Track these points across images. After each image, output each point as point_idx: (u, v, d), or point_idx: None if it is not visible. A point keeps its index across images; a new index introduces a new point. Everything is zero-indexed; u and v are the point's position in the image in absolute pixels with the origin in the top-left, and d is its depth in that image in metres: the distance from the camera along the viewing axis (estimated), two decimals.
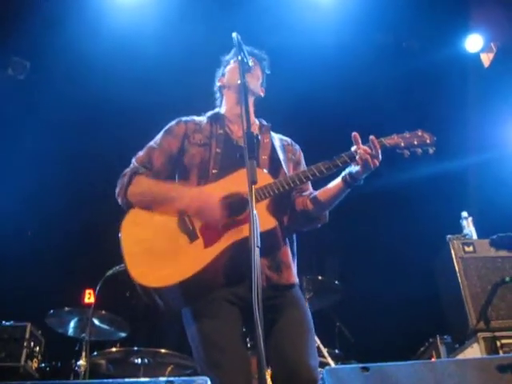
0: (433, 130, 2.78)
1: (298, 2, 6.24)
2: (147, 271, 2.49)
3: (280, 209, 2.72)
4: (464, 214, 5.43)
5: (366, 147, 2.59)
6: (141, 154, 2.91)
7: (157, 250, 2.54)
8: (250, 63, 2.70)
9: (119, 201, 2.80)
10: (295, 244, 2.88)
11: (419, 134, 2.72)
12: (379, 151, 2.60)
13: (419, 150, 2.70)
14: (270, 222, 2.50)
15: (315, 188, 2.91)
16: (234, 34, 2.66)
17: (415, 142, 2.69)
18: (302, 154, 3.10)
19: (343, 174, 2.69)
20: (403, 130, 2.76)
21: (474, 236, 5.28)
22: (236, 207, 2.54)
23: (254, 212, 2.08)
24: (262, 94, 3.15)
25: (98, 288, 4.76)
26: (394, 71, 6.60)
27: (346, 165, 2.65)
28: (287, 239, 2.80)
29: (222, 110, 3.11)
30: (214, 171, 2.76)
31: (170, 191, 2.67)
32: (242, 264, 2.37)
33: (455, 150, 6.64)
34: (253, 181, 2.17)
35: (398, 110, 6.36)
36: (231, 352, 2.46)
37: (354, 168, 2.63)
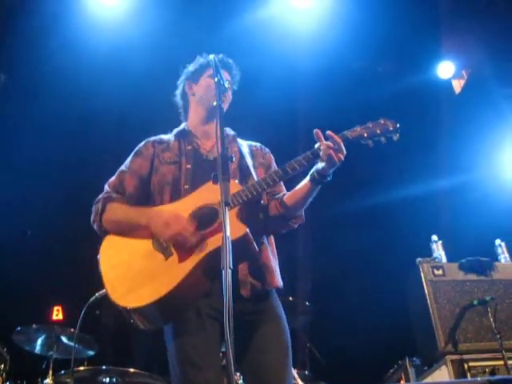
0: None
1: (276, 28, 6.31)
2: (126, 293, 2.50)
3: (251, 214, 2.72)
4: (434, 237, 5.51)
5: (328, 142, 2.61)
6: (113, 179, 2.94)
7: (134, 271, 2.56)
8: (226, 85, 2.73)
9: (95, 227, 2.82)
10: (274, 246, 2.89)
11: (382, 122, 2.72)
12: (341, 145, 2.61)
13: (383, 139, 2.71)
14: (241, 229, 2.49)
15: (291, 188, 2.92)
16: (212, 56, 2.70)
17: (378, 131, 2.69)
18: (272, 157, 3.11)
19: (311, 172, 2.71)
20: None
21: (444, 259, 5.36)
22: (206, 219, 2.56)
23: (228, 233, 2.09)
24: (227, 108, 3.12)
25: (81, 315, 4.61)
26: (370, 95, 6.70)
27: (311, 162, 2.66)
28: (266, 242, 2.81)
29: (188, 124, 3.11)
30: (185, 187, 2.78)
31: (140, 218, 2.68)
32: (217, 277, 2.35)
33: (426, 174, 6.76)
34: (227, 202, 2.19)
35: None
36: (207, 371, 2.46)
37: (320, 165, 2.65)
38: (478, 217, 6.39)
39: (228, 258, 2.03)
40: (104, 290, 2.60)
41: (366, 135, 2.69)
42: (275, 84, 6.28)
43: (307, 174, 2.74)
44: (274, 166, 3.07)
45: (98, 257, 2.65)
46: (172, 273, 2.49)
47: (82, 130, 6.70)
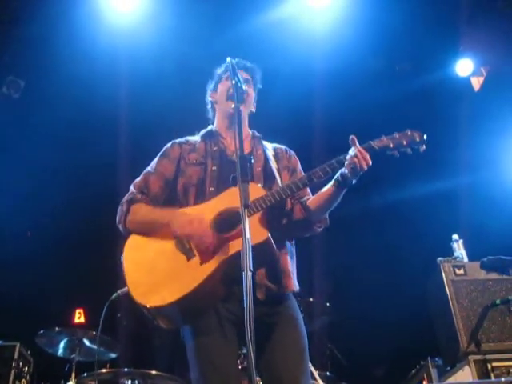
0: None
1: (292, 28, 6.30)
2: (148, 292, 2.54)
3: (274, 219, 2.74)
4: (455, 236, 5.45)
5: (355, 152, 2.62)
6: (138, 179, 2.97)
7: (156, 272, 2.59)
8: (244, 87, 2.73)
9: (120, 228, 2.86)
10: (294, 250, 2.90)
11: (408, 133, 2.73)
12: (367, 156, 2.62)
13: (409, 150, 2.72)
14: (262, 235, 2.51)
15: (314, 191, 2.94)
16: (229, 59, 2.70)
17: (404, 143, 2.70)
18: (297, 160, 3.12)
19: (336, 175, 2.72)
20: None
21: (465, 259, 5.30)
22: (229, 223, 2.57)
23: (248, 236, 2.10)
24: (254, 110, 3.19)
25: (103, 314, 4.65)
26: (387, 94, 6.66)
27: (336, 170, 2.68)
28: (286, 247, 2.82)
29: (215, 126, 3.14)
30: (211, 189, 2.80)
31: (163, 218, 2.71)
32: (236, 281, 2.39)
33: (446, 172, 6.71)
34: (246, 204, 2.20)
35: (390, 132, 6.40)
36: (224, 370, 2.49)
37: (344, 170, 2.66)
38: (500, 215, 6.32)
39: (248, 261, 2.04)
40: (125, 288, 2.63)
41: (391, 146, 2.70)
42: (291, 84, 6.27)
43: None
44: (300, 168, 3.09)
45: (122, 256, 2.69)
46: (194, 274, 2.51)
47: (94, 135, 6.75)
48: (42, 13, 5.95)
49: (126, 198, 2.89)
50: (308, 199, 2.89)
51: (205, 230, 2.57)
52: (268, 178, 2.89)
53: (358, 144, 2.66)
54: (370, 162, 2.63)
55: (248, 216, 2.21)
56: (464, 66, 7.03)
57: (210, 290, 2.53)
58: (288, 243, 2.85)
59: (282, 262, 2.74)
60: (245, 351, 3.65)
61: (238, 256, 2.26)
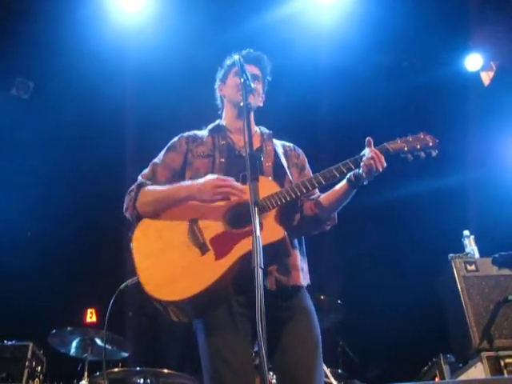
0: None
1: (299, 24, 6.29)
2: (160, 285, 2.51)
3: (288, 216, 2.75)
4: (466, 232, 5.42)
5: (371, 154, 2.64)
6: (146, 170, 2.97)
7: (169, 263, 2.57)
8: (253, 85, 2.73)
9: (127, 215, 2.84)
10: (304, 246, 2.91)
11: (421, 136, 2.76)
12: (382, 158, 2.64)
13: (422, 154, 2.74)
14: (279, 233, 2.51)
15: (322, 189, 2.94)
16: (237, 57, 2.71)
17: (418, 146, 2.72)
18: (305, 158, 3.14)
19: (348, 174, 2.72)
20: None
21: (477, 255, 5.27)
22: (244, 217, 2.54)
23: (258, 234, 2.10)
24: (261, 104, 3.19)
25: (110, 304, 4.67)
26: (395, 90, 6.64)
27: (351, 171, 2.70)
28: (297, 243, 2.83)
29: (223, 121, 3.15)
30: None
31: (179, 192, 2.72)
32: (250, 275, 2.40)
33: (457, 168, 6.67)
34: (256, 202, 2.20)
35: (398, 128, 6.38)
36: (236, 367, 2.48)
37: (358, 170, 2.68)
38: (511, 210, 6.28)
39: (259, 258, 2.04)
40: (135, 278, 2.60)
41: (406, 149, 2.72)
42: (298, 80, 6.26)
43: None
44: (308, 166, 3.10)
45: (131, 245, 2.66)
46: (209, 270, 2.49)
47: (102, 136, 6.78)
48: (50, 14, 5.97)
49: (134, 185, 2.88)
50: (318, 197, 2.90)
51: (231, 184, 2.60)
52: (278, 173, 2.89)
53: (373, 146, 2.67)
54: (385, 164, 2.65)
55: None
56: (473, 61, 6.99)
57: (225, 285, 2.51)
58: (297, 240, 2.86)
59: (292, 257, 2.74)
60: (256, 349, 3.64)
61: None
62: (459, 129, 6.70)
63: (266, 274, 2.57)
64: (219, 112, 3.25)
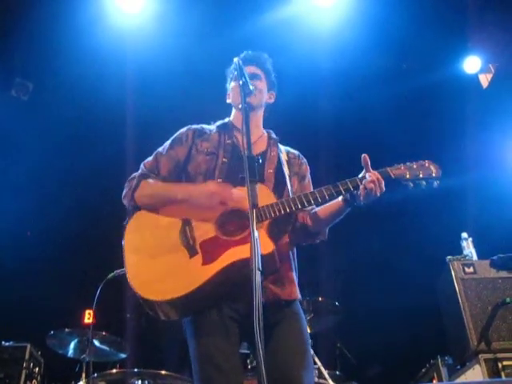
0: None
1: (298, 27, 6.30)
2: (146, 282, 2.53)
3: (280, 229, 2.73)
4: (464, 234, 5.43)
5: (371, 178, 2.59)
6: (149, 159, 2.97)
7: (157, 262, 2.58)
8: (251, 87, 2.73)
9: (125, 202, 2.84)
10: (296, 258, 2.90)
11: (426, 165, 2.69)
12: (382, 184, 2.61)
13: (423, 183, 2.68)
14: (268, 247, 2.49)
15: None
16: (236, 59, 2.71)
17: (421, 175, 2.66)
18: (308, 168, 3.11)
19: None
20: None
21: (475, 257, 5.28)
22: (236, 225, 2.57)
23: (256, 235, 2.10)
24: (272, 100, 3.17)
25: (97, 294, 4.69)
26: (394, 92, 6.65)
27: (349, 191, 2.66)
28: (289, 254, 2.82)
29: (231, 118, 3.14)
30: (218, 180, 2.79)
31: (177, 192, 2.72)
32: (241, 282, 2.41)
33: (455, 170, 6.67)
34: (254, 204, 2.21)
35: (397, 130, 6.41)
36: (225, 369, 2.47)
37: (357, 192, 2.64)
38: (509, 212, 6.29)
39: (257, 259, 2.04)
40: (123, 269, 2.61)
41: (408, 176, 2.66)
42: (297, 83, 6.27)
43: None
44: (308, 177, 3.08)
45: (124, 235, 2.67)
46: (194, 274, 2.49)
47: (101, 137, 6.79)
48: (50, 16, 5.98)
49: (135, 174, 2.89)
50: (311, 209, 2.88)
51: (228, 190, 2.60)
52: (279, 181, 2.87)
53: (369, 166, 2.63)
54: (384, 190, 2.61)
55: (257, 221, 2.21)
56: (472, 63, 7.01)
57: (210, 291, 2.50)
58: (291, 250, 2.85)
59: (284, 269, 2.73)
60: (244, 350, 3.63)
61: (242, 263, 2.36)
62: (458, 131, 6.72)
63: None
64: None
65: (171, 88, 6.50)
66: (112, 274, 4.61)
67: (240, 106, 2.69)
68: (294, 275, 2.80)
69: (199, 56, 6.38)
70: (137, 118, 6.60)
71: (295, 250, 2.93)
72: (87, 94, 6.50)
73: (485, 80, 7.22)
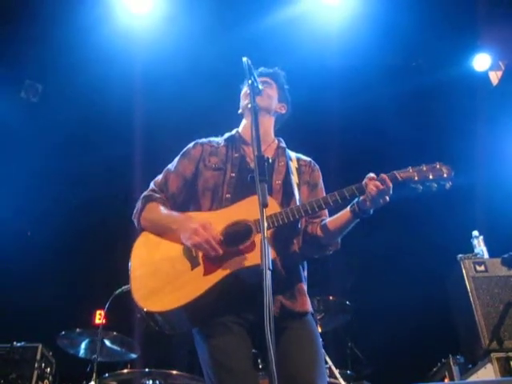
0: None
1: (307, 26, 6.28)
2: (148, 294, 2.54)
3: (285, 238, 2.72)
4: (475, 232, 5.41)
5: (377, 182, 2.54)
6: (159, 177, 2.98)
7: (159, 274, 2.59)
8: (260, 87, 2.73)
9: (135, 223, 2.87)
10: (306, 271, 2.87)
11: (437, 167, 2.60)
12: (390, 189, 2.55)
13: (434, 185, 2.59)
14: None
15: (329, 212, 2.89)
16: (245, 59, 2.67)
17: (430, 177, 2.58)
18: (320, 175, 3.06)
19: (352, 204, 2.66)
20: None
21: (486, 255, 5.25)
22: (239, 236, 2.54)
23: (265, 235, 2.11)
24: (283, 111, 3.15)
25: (106, 307, 4.77)
26: (404, 90, 6.63)
27: (354, 197, 2.61)
28: (299, 266, 2.80)
29: (239, 130, 3.12)
30: (227, 195, 2.77)
31: (172, 223, 2.70)
32: (248, 290, 2.41)
33: (466, 168, 6.63)
34: (264, 203, 2.20)
35: (407, 129, 6.38)
36: (238, 372, 2.46)
37: (362, 200, 2.60)
38: None
39: (268, 260, 2.04)
40: (129, 285, 2.63)
41: (416, 178, 2.58)
42: (307, 82, 6.25)
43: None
44: (321, 184, 3.03)
45: (131, 250, 2.71)
46: (195, 284, 2.49)
47: (110, 138, 6.81)
48: (58, 17, 6.00)
49: (145, 193, 2.91)
50: (321, 221, 2.85)
51: (211, 236, 2.51)
52: (287, 193, 2.83)
53: (375, 178, 2.56)
54: (391, 192, 2.55)
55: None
56: (482, 61, 6.95)
57: (213, 301, 2.49)
58: (301, 262, 2.83)
59: (294, 279, 2.71)
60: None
61: (244, 272, 2.38)
62: (468, 129, 6.67)
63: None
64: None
65: (179, 89, 6.50)
66: (120, 289, 4.67)
67: (249, 106, 2.67)
68: (305, 287, 2.77)
69: (207, 57, 6.37)
70: (145, 120, 6.61)
71: (305, 263, 2.89)
72: (96, 96, 6.52)
73: (495, 77, 7.17)
